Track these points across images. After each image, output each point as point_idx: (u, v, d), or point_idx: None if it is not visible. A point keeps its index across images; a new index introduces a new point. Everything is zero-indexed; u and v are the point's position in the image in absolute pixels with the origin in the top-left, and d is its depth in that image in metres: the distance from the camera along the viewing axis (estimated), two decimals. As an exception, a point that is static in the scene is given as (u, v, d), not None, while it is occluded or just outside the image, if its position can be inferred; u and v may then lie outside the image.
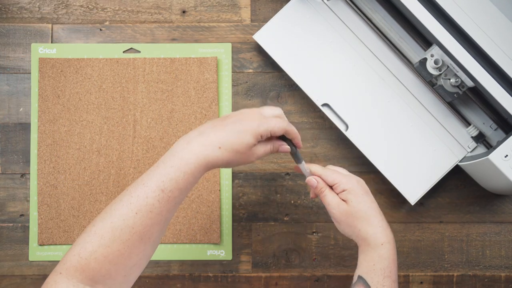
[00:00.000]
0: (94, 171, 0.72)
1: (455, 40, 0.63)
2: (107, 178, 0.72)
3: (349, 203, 0.58)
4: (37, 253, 0.72)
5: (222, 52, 0.74)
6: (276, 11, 0.73)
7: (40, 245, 0.72)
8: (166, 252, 0.72)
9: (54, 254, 0.72)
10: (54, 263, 0.73)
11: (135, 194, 0.52)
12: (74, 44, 0.73)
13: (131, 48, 0.73)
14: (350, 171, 0.74)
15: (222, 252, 0.72)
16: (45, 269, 0.73)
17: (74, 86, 0.72)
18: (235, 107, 0.74)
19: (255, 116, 0.56)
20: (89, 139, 0.72)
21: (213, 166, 0.54)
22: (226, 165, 0.55)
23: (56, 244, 0.72)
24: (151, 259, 0.73)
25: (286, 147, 0.59)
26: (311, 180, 0.61)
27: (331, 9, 0.72)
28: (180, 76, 0.73)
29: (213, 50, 0.73)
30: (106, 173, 0.72)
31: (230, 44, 0.73)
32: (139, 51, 0.73)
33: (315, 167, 0.61)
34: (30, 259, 0.72)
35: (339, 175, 0.60)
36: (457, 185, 0.74)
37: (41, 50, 0.73)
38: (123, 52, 0.73)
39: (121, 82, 0.73)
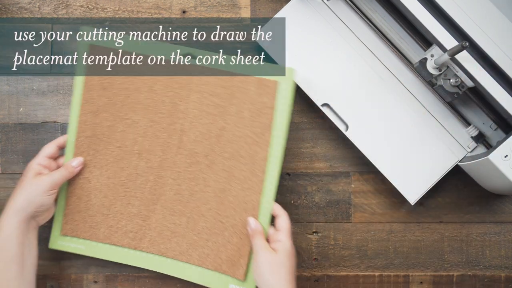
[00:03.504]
0: (132, 174, 0.68)
1: (455, 40, 0.63)
2: (144, 183, 0.68)
3: (279, 254, 0.62)
4: (58, 241, 0.69)
5: (284, 76, 0.66)
6: (276, 11, 0.73)
7: (63, 235, 0.69)
8: (189, 273, 0.68)
9: (75, 247, 0.69)
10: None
11: None
12: (130, 37, 0.69)
13: (189, 53, 0.68)
14: (350, 171, 0.75)
15: None
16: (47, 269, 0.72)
17: (124, 81, 0.67)
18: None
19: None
20: (132, 139, 0.68)
21: (18, 213, 0.62)
22: (29, 205, 0.63)
23: (79, 238, 0.69)
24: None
25: None
26: (250, 219, 0.65)
27: (331, 9, 0.72)
28: (236, 94, 0.66)
29: (273, 73, 0.67)
30: (144, 178, 0.68)
31: (293, 70, 0.65)
32: (197, 58, 0.67)
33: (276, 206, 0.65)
34: (50, 246, 0.70)
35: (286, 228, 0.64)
36: (457, 185, 0.74)
37: (82, 35, 0.68)
38: (181, 55, 0.67)
39: (173, 86, 0.67)
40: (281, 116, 0.65)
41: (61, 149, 0.69)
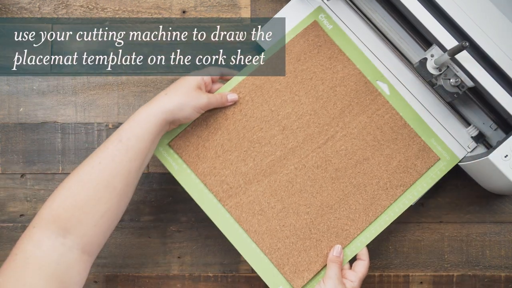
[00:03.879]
0: (265, 138, 0.68)
1: (455, 40, 0.63)
2: (268, 153, 0.68)
3: None
4: (160, 148, 0.67)
5: (446, 158, 0.69)
6: (276, 11, 0.73)
7: (169, 146, 0.67)
8: (251, 254, 0.67)
9: (170, 162, 0.67)
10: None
11: (98, 148, 0.59)
12: (350, 39, 0.70)
13: (383, 82, 0.70)
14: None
15: None
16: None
17: (317, 65, 0.69)
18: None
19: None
20: (287, 113, 0.68)
21: (166, 112, 0.60)
22: (179, 110, 0.61)
23: (180, 157, 0.67)
24: (153, 256, 0.72)
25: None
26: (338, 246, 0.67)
27: (331, 9, 0.72)
28: (399, 142, 0.69)
29: (441, 151, 0.69)
30: (272, 149, 0.68)
31: (458, 158, 0.69)
32: (387, 93, 0.70)
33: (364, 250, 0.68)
34: None
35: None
36: (457, 185, 0.74)
37: (321, 17, 0.70)
38: (377, 81, 0.70)
39: (352, 99, 0.69)
40: (422, 185, 0.68)
41: (220, 79, 0.69)
